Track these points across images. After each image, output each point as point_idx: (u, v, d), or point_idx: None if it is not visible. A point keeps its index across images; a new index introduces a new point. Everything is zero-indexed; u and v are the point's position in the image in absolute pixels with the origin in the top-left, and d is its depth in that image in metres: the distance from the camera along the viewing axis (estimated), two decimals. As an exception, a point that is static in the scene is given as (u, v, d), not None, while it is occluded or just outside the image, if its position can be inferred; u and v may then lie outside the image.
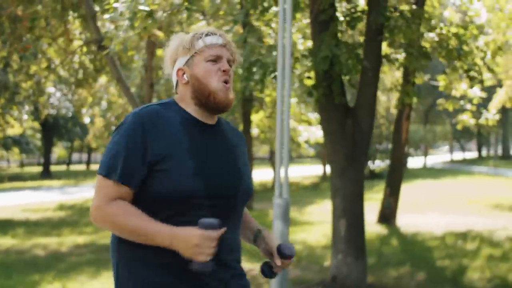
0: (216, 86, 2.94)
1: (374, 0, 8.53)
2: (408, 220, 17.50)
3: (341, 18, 8.80)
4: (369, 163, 37.66)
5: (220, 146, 3.00)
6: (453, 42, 9.55)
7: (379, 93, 31.12)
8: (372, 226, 16.17)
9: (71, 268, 11.10)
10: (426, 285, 9.76)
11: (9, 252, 13.14)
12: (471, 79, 9.82)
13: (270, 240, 3.15)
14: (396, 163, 17.02)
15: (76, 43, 16.39)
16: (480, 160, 62.58)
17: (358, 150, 9.09)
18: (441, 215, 18.94)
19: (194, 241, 2.66)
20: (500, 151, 64.88)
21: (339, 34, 8.88)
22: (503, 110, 46.48)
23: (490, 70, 10.28)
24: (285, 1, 6.85)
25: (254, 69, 8.45)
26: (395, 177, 16.92)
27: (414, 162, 53.97)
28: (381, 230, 15.78)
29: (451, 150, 68.05)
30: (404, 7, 10.60)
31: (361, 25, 10.28)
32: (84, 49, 16.33)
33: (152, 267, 2.83)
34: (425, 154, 54.38)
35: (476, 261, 11.52)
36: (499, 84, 26.60)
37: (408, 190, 27.10)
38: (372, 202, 19.90)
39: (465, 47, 9.27)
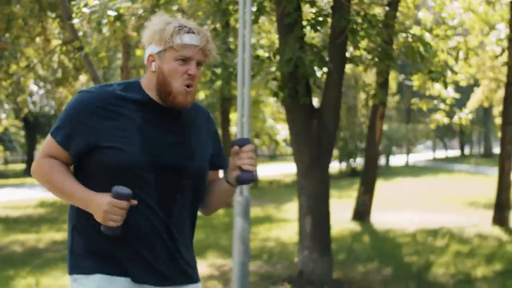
0: (178, 88, 3.01)
1: (337, 4, 8.79)
2: (383, 217, 17.78)
3: (306, 21, 9.05)
4: (351, 161, 37.99)
5: (174, 127, 3.09)
6: (417, 45, 9.81)
7: (359, 92, 31.40)
8: (346, 223, 16.45)
9: (46, 264, 11.31)
10: (392, 280, 10.04)
11: (-13, 248, 13.36)
12: (434, 80, 10.09)
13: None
14: (370, 162, 17.30)
15: (55, 42, 16.57)
16: (462, 158, 63.02)
17: (323, 150, 9.35)
18: (416, 212, 19.23)
19: (104, 207, 2.84)
20: (482, 149, 65.38)
21: (306, 36, 9.15)
22: (485, 109, 46.92)
23: (453, 72, 10.54)
24: (245, 4, 7.10)
25: (218, 71, 8.71)
26: (370, 175, 17.20)
27: (396, 160, 54.33)
28: (355, 227, 16.05)
29: (434, 149, 68.51)
30: (373, 10, 10.86)
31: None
32: (64, 48, 16.53)
33: (97, 234, 3.00)
34: (407, 152, 54.80)
35: (442, 257, 11.80)
36: (476, 84, 26.99)
37: (386, 188, 27.43)
38: (351, 200, 20.16)
39: (426, 53, 9.51)
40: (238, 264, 7.29)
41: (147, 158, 2.97)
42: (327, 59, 9.08)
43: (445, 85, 10.20)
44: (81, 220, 3.06)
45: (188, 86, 3.02)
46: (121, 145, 2.96)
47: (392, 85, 29.72)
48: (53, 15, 15.22)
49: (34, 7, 14.54)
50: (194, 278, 3.21)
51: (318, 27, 8.93)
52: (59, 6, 13.50)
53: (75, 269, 3.06)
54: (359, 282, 9.97)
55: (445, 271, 10.70)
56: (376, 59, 9.58)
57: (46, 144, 3.06)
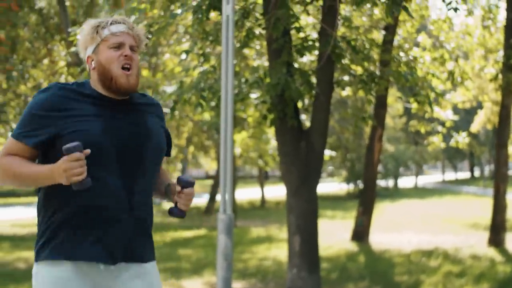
0: (117, 71, 3.21)
1: (324, 30, 9.10)
2: (382, 238, 18.01)
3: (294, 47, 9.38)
4: (358, 182, 38.13)
5: (128, 113, 3.29)
6: (402, 69, 10.11)
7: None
8: (345, 244, 16.70)
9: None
10: (379, 299, 10.30)
11: (-9, 265, 13.69)
12: (419, 102, 10.40)
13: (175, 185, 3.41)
14: (369, 183, 17.54)
15: (61, 63, 16.98)
16: (472, 180, 63.05)
17: (312, 171, 9.64)
18: (415, 233, 19.44)
19: (62, 167, 2.96)
20: (491, 171, 65.28)
21: (298, 61, 9.48)
22: (493, 131, 46.92)
23: (439, 95, 10.84)
24: (228, 28, 7.44)
25: (205, 94, 9.06)
26: (368, 196, 17.44)
27: (405, 182, 54.43)
28: (352, 247, 16.30)
29: (443, 171, 68.52)
30: (371, 34, 11.18)
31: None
32: (69, 69, 16.92)
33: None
34: (416, 174, 54.86)
35: (433, 277, 12.03)
36: (480, 106, 27.22)
37: (391, 209, 27.64)
38: (352, 220, 20.38)
39: (411, 76, 9.80)
40: (221, 280, 7.60)
41: (108, 137, 3.16)
42: (314, 83, 9.40)
43: (431, 107, 10.49)
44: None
45: (126, 68, 3.23)
46: (82, 127, 3.13)
47: (398, 106, 30.05)
48: (59, 37, 15.64)
49: (40, 30, 14.97)
50: (146, 258, 3.35)
51: (305, 53, 9.26)
52: (64, 29, 13.90)
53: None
54: (347, 299, 10.23)
55: (433, 290, 10.95)
56: (362, 84, 9.86)
57: (5, 144, 3.23)
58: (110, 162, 3.17)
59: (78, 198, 3.13)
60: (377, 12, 13.07)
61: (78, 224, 3.16)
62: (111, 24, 3.26)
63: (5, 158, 3.18)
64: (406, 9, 8.01)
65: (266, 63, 13.68)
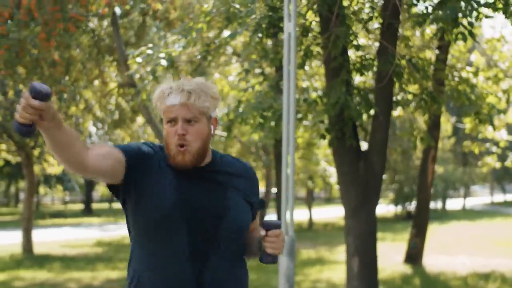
0: (173, 149, 3.07)
1: (383, 48, 8.98)
2: (435, 260, 17.70)
3: (352, 65, 9.26)
4: (406, 204, 37.73)
5: (204, 183, 3.12)
6: (463, 88, 9.95)
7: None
8: (398, 266, 16.44)
9: (99, 301, 11.59)
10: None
11: (44, 285, 13.70)
12: (481, 122, 10.21)
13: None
14: (422, 204, 17.29)
15: (112, 85, 17.05)
16: (521, 202, 62.10)
17: (370, 192, 9.48)
18: (468, 256, 19.09)
19: (21, 102, 2.62)
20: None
21: (356, 80, 9.36)
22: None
23: (501, 112, 10.64)
24: (289, 48, 7.34)
25: (267, 114, 8.96)
26: (421, 218, 17.18)
27: (452, 203, 53.76)
28: (406, 270, 16.03)
29: (492, 192, 67.57)
30: (424, 54, 11.04)
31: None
32: (121, 90, 16.98)
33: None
34: (464, 195, 54.14)
35: (492, 301, 11.77)
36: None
37: (441, 231, 27.22)
38: (404, 243, 20.08)
39: (473, 95, 9.63)
40: (283, 302, 7.45)
41: (178, 212, 3.03)
42: (373, 102, 9.26)
43: (493, 126, 10.29)
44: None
45: (180, 145, 3.06)
46: (156, 199, 3.05)
47: (447, 127, 29.68)
48: (110, 58, 15.71)
49: (92, 51, 15.05)
50: None
51: (364, 71, 9.13)
52: (116, 50, 13.95)
53: None
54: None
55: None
56: (423, 103, 9.72)
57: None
58: (181, 236, 3.06)
59: (145, 276, 3.09)
60: (429, 31, 12.91)
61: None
62: (169, 94, 3.08)
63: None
64: (472, 35, 7.86)
65: (315, 84, 13.62)
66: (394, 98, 9.76)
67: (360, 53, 9.63)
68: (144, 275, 3.07)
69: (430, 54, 13.91)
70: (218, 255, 3.07)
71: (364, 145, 10.33)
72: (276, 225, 3.09)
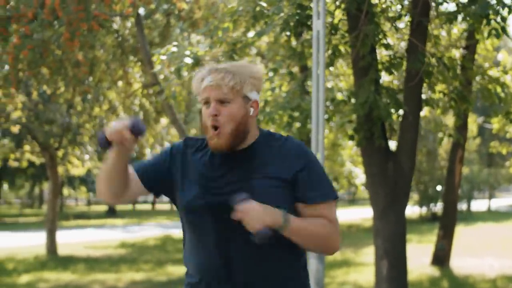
0: (209, 132, 3.01)
1: (412, 46, 8.81)
2: (462, 262, 17.46)
3: (381, 64, 9.10)
4: (431, 205, 37.41)
5: (234, 168, 3.03)
6: (493, 87, 9.76)
7: (439, 135, 31.03)
8: (425, 268, 16.22)
9: (124, 303, 11.51)
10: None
11: (68, 287, 13.67)
12: (511, 121, 10.01)
13: None
14: (449, 206, 17.08)
15: (136, 85, 16.99)
16: (548, 203, 61.46)
17: (399, 193, 9.31)
18: (496, 258, 18.82)
19: (118, 125, 2.89)
20: None
21: (382, 80, 9.20)
22: None
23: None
24: (319, 47, 7.20)
25: (295, 114, 8.82)
26: (449, 219, 16.96)
27: (477, 205, 53.32)
28: (434, 272, 15.82)
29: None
30: (450, 53, 10.85)
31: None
32: (145, 91, 16.91)
33: None
34: (489, 197, 53.65)
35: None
36: None
37: (467, 233, 26.91)
38: (430, 244, 19.85)
39: (503, 94, 9.44)
40: (311, 306, 7.30)
41: (203, 201, 3.01)
42: (402, 101, 9.10)
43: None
44: None
45: (214, 128, 2.99)
46: (183, 192, 3.10)
47: (473, 128, 29.41)
48: (135, 59, 15.64)
49: (116, 51, 14.99)
50: None
51: (393, 70, 8.97)
52: (140, 51, 13.87)
53: None
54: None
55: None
56: (452, 102, 9.54)
57: None
58: (206, 225, 3.04)
59: (188, 264, 3.18)
60: (456, 30, 12.72)
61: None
62: (204, 76, 3.04)
63: None
64: (505, 31, 7.69)
65: (340, 84, 13.45)
66: (423, 98, 9.59)
67: (387, 52, 9.45)
68: (186, 262, 3.17)
69: (457, 54, 13.74)
70: (245, 243, 2.96)
71: (392, 145, 10.16)
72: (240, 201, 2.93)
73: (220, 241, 3.00)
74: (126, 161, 3.00)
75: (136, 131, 2.86)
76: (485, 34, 8.36)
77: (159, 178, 3.15)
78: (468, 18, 8.50)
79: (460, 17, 8.53)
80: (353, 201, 67.79)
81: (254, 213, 2.87)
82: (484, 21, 7.94)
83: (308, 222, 3.01)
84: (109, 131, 2.84)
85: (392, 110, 8.91)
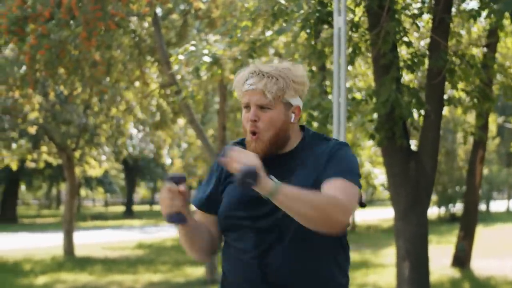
0: (247, 137, 2.96)
1: (434, 44, 8.66)
2: (483, 264, 17.26)
3: (402, 62, 8.94)
4: (450, 206, 37.18)
5: (273, 172, 2.81)
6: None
7: (458, 135, 30.83)
8: (446, 270, 16.04)
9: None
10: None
11: (85, 289, 13.59)
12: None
13: None
14: (470, 206, 16.89)
15: (153, 86, 16.90)
16: None
17: (421, 193, 9.13)
18: (518, 259, 18.62)
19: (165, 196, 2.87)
20: None
21: (403, 78, 9.04)
22: None
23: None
24: (340, 45, 7.06)
25: (315, 114, 8.67)
26: (470, 220, 16.78)
27: (496, 205, 52.95)
28: (454, 273, 15.63)
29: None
30: (471, 51, 10.68)
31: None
32: (162, 91, 16.81)
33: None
34: (509, 197, 53.27)
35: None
36: None
37: (487, 234, 26.68)
38: (450, 246, 19.66)
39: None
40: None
41: (242, 208, 2.96)
42: (424, 100, 8.94)
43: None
44: None
45: (252, 133, 2.93)
46: (225, 197, 3.06)
47: (492, 127, 29.15)
48: (152, 59, 15.55)
49: (133, 51, 14.90)
50: None
51: (415, 68, 8.81)
52: (157, 51, 13.77)
53: None
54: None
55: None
56: (475, 101, 9.37)
57: None
58: (244, 232, 2.97)
59: (224, 264, 3.12)
60: (475, 29, 12.55)
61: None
62: (247, 79, 2.95)
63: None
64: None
65: (359, 84, 13.30)
66: (445, 96, 9.42)
67: (409, 49, 9.29)
68: (224, 267, 3.10)
69: (478, 52, 13.56)
70: (282, 246, 2.90)
71: (412, 145, 10.00)
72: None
73: (257, 245, 2.93)
74: (194, 227, 3.01)
75: (177, 180, 2.82)
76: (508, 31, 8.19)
77: (220, 202, 3.09)
78: (492, 16, 8.32)
79: (484, 14, 8.35)
80: (370, 201, 67.55)
81: (234, 154, 2.73)
82: (509, 18, 7.77)
83: (303, 191, 2.77)
84: (164, 206, 2.84)
85: (415, 109, 8.75)
